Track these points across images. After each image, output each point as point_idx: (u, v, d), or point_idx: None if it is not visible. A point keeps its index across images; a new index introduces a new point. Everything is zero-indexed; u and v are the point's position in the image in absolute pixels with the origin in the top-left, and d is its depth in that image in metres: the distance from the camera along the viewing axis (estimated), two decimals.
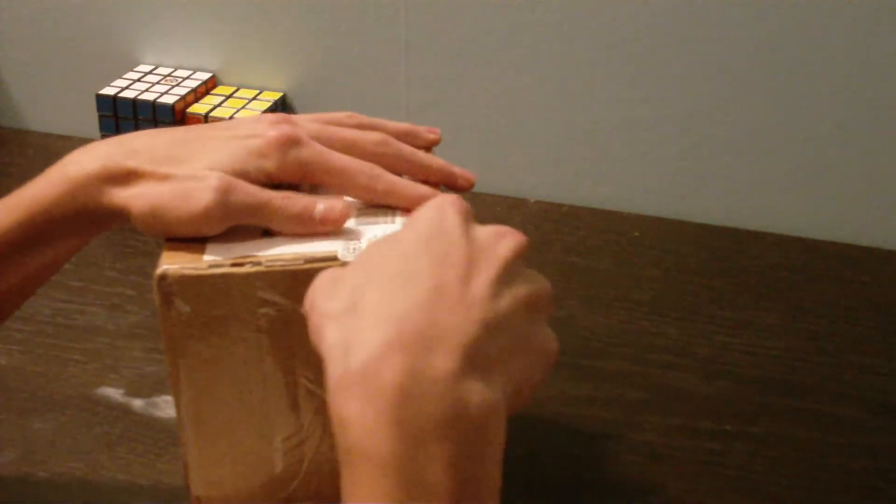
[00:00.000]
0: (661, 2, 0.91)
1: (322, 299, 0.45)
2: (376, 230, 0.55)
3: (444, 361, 0.41)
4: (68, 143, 1.06)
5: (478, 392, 0.42)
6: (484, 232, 0.48)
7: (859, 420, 0.73)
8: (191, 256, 0.53)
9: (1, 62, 1.10)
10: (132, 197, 0.54)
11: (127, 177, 0.55)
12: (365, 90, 1.00)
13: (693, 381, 0.76)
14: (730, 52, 0.91)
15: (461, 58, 0.97)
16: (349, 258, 0.53)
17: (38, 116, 1.11)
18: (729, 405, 0.74)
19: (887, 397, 0.75)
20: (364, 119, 0.61)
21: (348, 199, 0.57)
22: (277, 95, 1.02)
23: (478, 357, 0.42)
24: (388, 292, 0.43)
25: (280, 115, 0.58)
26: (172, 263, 0.52)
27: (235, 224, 0.54)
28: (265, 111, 0.99)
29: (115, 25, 1.05)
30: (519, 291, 0.46)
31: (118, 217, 0.55)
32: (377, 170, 0.57)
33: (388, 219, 0.56)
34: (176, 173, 0.54)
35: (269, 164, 0.55)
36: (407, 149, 0.60)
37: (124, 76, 1.03)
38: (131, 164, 0.55)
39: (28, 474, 0.67)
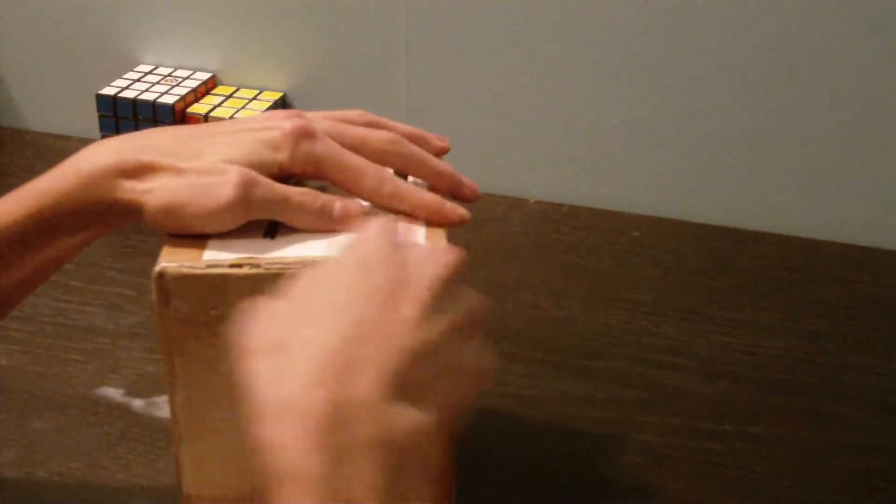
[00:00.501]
0: (662, 2, 0.91)
1: (256, 335, 0.46)
2: None
3: (367, 388, 0.42)
4: (68, 143, 1.06)
5: (405, 416, 0.43)
6: (416, 253, 0.48)
7: (859, 420, 0.73)
8: (190, 255, 0.53)
9: (1, 62, 1.10)
10: (146, 192, 0.54)
11: (141, 171, 0.54)
12: (365, 90, 1.01)
13: (693, 381, 0.76)
14: (730, 52, 0.91)
15: (461, 58, 0.97)
16: None
17: (38, 116, 1.11)
18: (729, 405, 0.74)
19: (887, 397, 0.75)
20: (375, 118, 0.61)
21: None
22: (277, 95, 1.02)
23: (404, 383, 0.43)
24: (317, 328, 0.44)
25: (293, 111, 0.58)
26: (171, 261, 0.52)
27: (252, 219, 0.55)
28: (265, 111, 0.99)
29: (115, 25, 1.05)
30: (450, 314, 0.46)
31: (130, 213, 0.55)
32: (386, 173, 0.57)
33: None
34: (192, 167, 0.54)
35: (282, 157, 0.55)
36: (417, 150, 0.60)
37: (124, 76, 1.03)
38: (145, 157, 0.55)
39: (28, 474, 0.67)
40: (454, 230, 0.57)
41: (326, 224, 0.56)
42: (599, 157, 0.98)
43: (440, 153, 0.62)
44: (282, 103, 1.02)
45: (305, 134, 0.56)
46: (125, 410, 0.73)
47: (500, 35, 0.95)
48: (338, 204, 0.56)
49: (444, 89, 0.99)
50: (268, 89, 1.03)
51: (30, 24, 1.07)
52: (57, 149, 1.05)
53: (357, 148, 0.58)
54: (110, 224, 0.57)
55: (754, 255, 0.91)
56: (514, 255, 0.90)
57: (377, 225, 0.49)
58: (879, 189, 0.93)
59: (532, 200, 0.99)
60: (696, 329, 0.81)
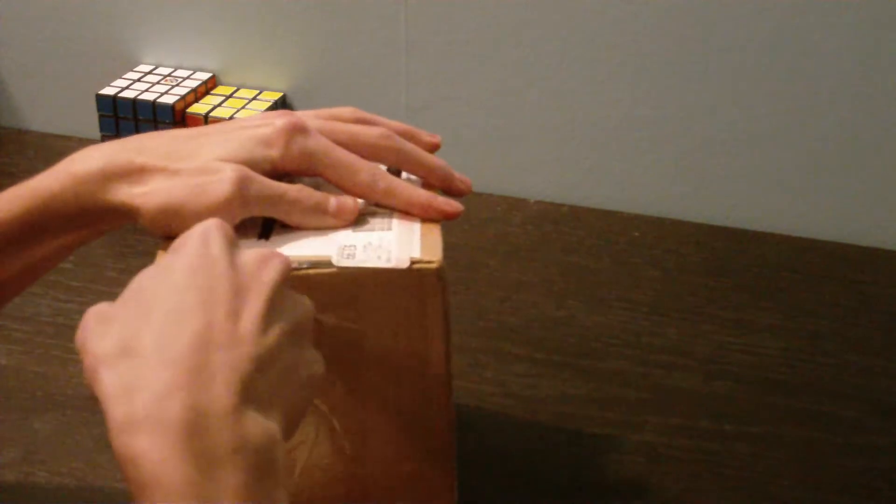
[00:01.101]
0: (662, 2, 0.91)
1: (94, 341, 0.45)
2: (372, 237, 0.55)
3: (221, 395, 0.42)
4: (68, 143, 1.06)
5: (257, 423, 0.43)
6: (248, 257, 0.48)
7: (859, 420, 0.73)
8: None
9: (1, 62, 1.10)
10: (140, 195, 0.54)
11: (134, 173, 0.55)
12: (365, 90, 1.00)
13: (693, 381, 0.76)
14: (730, 52, 0.91)
15: (461, 58, 0.97)
16: (343, 263, 0.53)
17: (38, 116, 1.11)
18: (729, 405, 0.74)
19: (887, 397, 0.75)
20: (366, 115, 0.61)
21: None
22: (277, 95, 1.02)
23: (253, 391, 0.43)
24: (162, 333, 0.44)
25: (284, 110, 0.58)
26: None
27: (248, 217, 0.55)
28: (265, 111, 0.99)
29: (115, 25, 1.05)
30: (285, 322, 0.46)
31: (123, 215, 0.55)
32: (379, 169, 0.58)
33: (385, 224, 0.56)
34: (186, 167, 0.54)
35: (275, 153, 0.56)
36: (410, 146, 0.60)
37: (124, 76, 1.02)
38: (139, 160, 0.55)
39: (28, 474, 0.67)
40: (455, 230, 0.58)
41: (322, 220, 0.56)
42: (599, 158, 0.98)
43: (431, 149, 0.62)
44: (282, 103, 1.02)
45: (298, 130, 0.56)
46: None
47: (500, 35, 0.95)
48: (333, 200, 0.56)
49: (444, 89, 0.99)
50: (268, 89, 1.03)
51: (30, 24, 1.07)
52: (57, 149, 1.05)
53: (349, 144, 0.58)
54: (102, 226, 0.57)
55: (754, 255, 0.91)
56: (514, 255, 0.90)
57: (208, 224, 0.48)
58: (879, 189, 0.93)
59: (532, 200, 0.99)
60: (696, 329, 0.81)
